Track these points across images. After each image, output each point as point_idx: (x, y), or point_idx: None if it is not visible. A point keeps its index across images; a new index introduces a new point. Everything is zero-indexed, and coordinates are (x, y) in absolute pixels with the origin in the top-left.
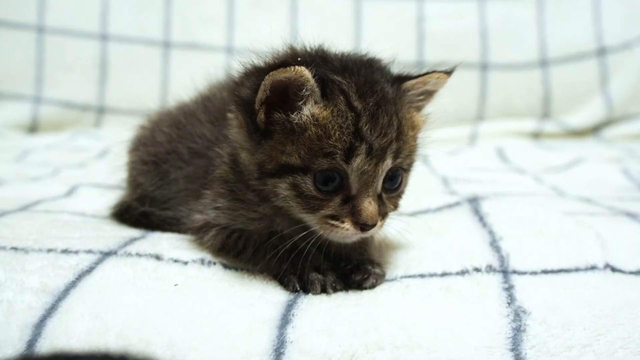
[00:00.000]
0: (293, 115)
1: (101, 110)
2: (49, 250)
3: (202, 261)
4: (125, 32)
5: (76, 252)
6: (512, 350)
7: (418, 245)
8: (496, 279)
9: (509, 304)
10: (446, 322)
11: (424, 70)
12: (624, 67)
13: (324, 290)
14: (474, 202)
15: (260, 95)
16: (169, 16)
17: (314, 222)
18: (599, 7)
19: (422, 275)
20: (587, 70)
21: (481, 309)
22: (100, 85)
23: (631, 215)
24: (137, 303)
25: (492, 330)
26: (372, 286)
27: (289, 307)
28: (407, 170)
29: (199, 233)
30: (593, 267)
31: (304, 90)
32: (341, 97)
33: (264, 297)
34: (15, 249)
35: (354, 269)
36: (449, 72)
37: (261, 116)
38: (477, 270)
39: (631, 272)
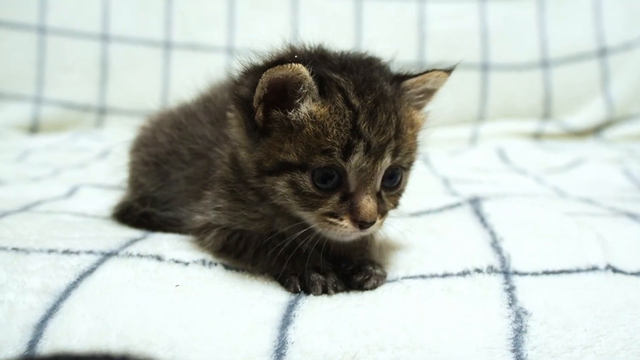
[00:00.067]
0: (291, 113)
1: (102, 111)
2: (50, 251)
3: (203, 262)
4: (126, 33)
5: (77, 252)
6: (514, 351)
7: (419, 246)
8: (497, 279)
9: (510, 304)
10: (447, 323)
11: (423, 69)
12: (624, 68)
13: (325, 291)
14: (475, 202)
15: (258, 93)
16: (169, 17)
17: (312, 220)
18: (600, 7)
19: (423, 276)
20: (588, 71)
21: (482, 309)
22: (101, 86)
23: (632, 216)
24: (138, 304)
25: (493, 331)
26: (373, 287)
27: (290, 307)
28: (406, 169)
29: (199, 234)
30: (594, 268)
31: (301, 88)
32: (339, 95)
33: (265, 297)
34: (16, 249)
35: (355, 269)
36: (448, 71)
37: (259, 114)
38: (479, 271)
39: (632, 273)
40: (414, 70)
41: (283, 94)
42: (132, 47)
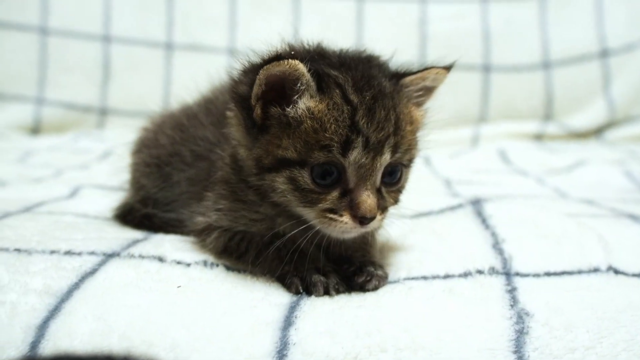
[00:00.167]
0: (289, 109)
1: (103, 112)
2: (52, 252)
3: (205, 263)
4: (127, 34)
5: (79, 253)
6: (515, 352)
7: (420, 247)
8: (499, 281)
9: (511, 306)
10: (449, 324)
11: (423, 66)
12: (626, 69)
13: (326, 292)
14: (476, 204)
15: (256, 90)
16: (171, 18)
17: (312, 217)
18: (602, 9)
19: (424, 277)
20: (590, 72)
21: (484, 311)
22: (103, 87)
23: (633, 217)
24: (140, 305)
25: (495, 333)
26: (375, 288)
27: (292, 309)
28: (406, 165)
29: (201, 235)
30: (596, 270)
31: (299, 85)
32: (337, 91)
33: (266, 299)
34: (18, 250)
35: (357, 271)
36: (447, 68)
37: (257, 111)
38: (480, 272)
39: (634, 275)
40: (413, 68)
41: (282, 92)
42: (133, 48)
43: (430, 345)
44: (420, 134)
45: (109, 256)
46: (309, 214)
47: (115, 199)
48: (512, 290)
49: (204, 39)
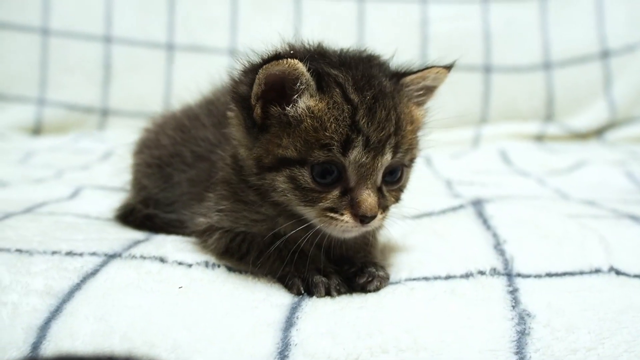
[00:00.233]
0: (289, 108)
1: (105, 113)
2: (54, 253)
3: (207, 264)
4: (128, 35)
5: (81, 254)
6: (517, 353)
7: (422, 248)
8: (500, 282)
9: (513, 307)
10: (451, 325)
11: (423, 66)
12: (627, 70)
13: (328, 293)
14: (477, 205)
15: (256, 89)
16: (172, 18)
17: (313, 216)
18: (602, 9)
19: (426, 278)
20: (591, 73)
21: (486, 312)
22: (104, 88)
23: (635, 218)
24: (141, 305)
25: (496, 334)
26: (376, 289)
27: (293, 309)
28: (407, 165)
29: (202, 236)
30: (597, 270)
31: (298, 84)
32: (337, 90)
33: (268, 299)
34: (19, 251)
35: (358, 271)
36: (448, 67)
37: (257, 111)
38: (482, 273)
39: (635, 275)
40: (413, 67)
41: (282, 91)
42: (134, 48)
43: (432, 346)
44: (421, 134)
45: (111, 257)
46: (309, 213)
47: (116, 200)
48: (513, 291)
49: (205, 39)
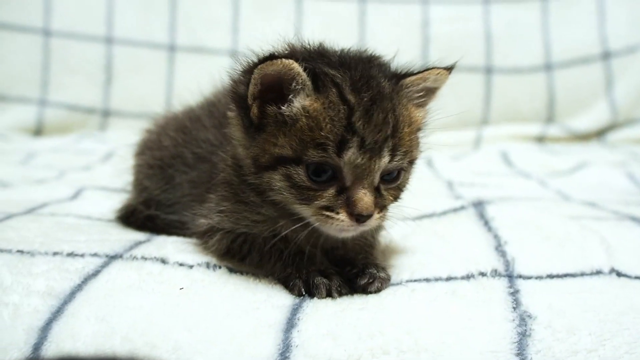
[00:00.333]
0: (284, 108)
1: (106, 113)
2: (55, 254)
3: (208, 265)
4: (130, 35)
5: (82, 255)
6: (518, 354)
7: (423, 249)
8: (501, 283)
9: (514, 308)
10: (452, 326)
11: (424, 67)
12: (628, 71)
13: (329, 294)
14: (479, 206)
15: (252, 89)
16: (174, 19)
17: (309, 214)
18: (604, 11)
19: (427, 280)
20: (592, 74)
21: (487, 313)
22: (106, 88)
23: (636, 220)
24: (142, 306)
25: (497, 335)
26: (377, 290)
27: (295, 311)
28: (406, 169)
29: (203, 237)
30: (598, 272)
31: (294, 84)
32: (334, 90)
33: (269, 300)
34: (21, 252)
35: (359, 273)
36: (449, 69)
37: (254, 110)
38: (483, 274)
39: (637, 277)
40: (414, 68)
41: (280, 92)
42: (136, 49)
43: (433, 348)
44: (421, 135)
45: (112, 258)
46: (305, 211)
47: (118, 201)
48: (514, 293)
49: (206, 40)
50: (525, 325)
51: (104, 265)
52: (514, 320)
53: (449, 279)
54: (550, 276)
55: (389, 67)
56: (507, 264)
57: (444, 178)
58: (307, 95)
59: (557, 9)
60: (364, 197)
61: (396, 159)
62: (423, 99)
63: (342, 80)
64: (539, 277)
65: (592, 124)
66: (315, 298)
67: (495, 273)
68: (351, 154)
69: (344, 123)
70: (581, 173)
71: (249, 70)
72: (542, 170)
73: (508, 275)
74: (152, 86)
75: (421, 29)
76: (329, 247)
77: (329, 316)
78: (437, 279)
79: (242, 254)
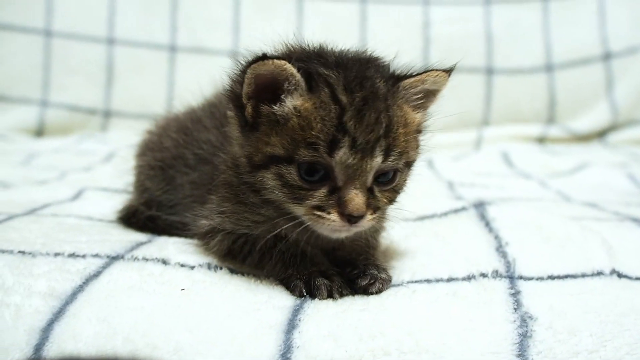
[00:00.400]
0: (276, 107)
1: (107, 114)
2: (57, 254)
3: (209, 266)
4: (131, 36)
5: (83, 256)
6: (519, 356)
7: (424, 250)
8: (502, 284)
9: (515, 309)
10: (453, 327)
11: (423, 69)
12: (629, 72)
13: (330, 296)
14: (479, 207)
15: (246, 89)
16: (174, 20)
17: (301, 214)
18: (605, 11)
19: (428, 281)
20: (593, 75)
21: (488, 314)
22: (107, 89)
23: (637, 221)
24: (143, 307)
25: (498, 336)
26: (379, 291)
27: (296, 312)
28: (401, 170)
29: (205, 238)
30: (599, 273)
31: (287, 84)
32: (326, 90)
33: (270, 301)
34: (22, 252)
35: (360, 274)
36: (448, 71)
37: (249, 109)
38: (484, 275)
39: (637, 278)
40: (413, 70)
41: (275, 92)
42: (137, 50)
43: (434, 349)
44: (421, 137)
45: (113, 259)
46: (297, 210)
47: (119, 202)
48: (515, 294)
49: (207, 41)
50: (527, 326)
51: (105, 266)
52: (515, 321)
53: (450, 280)
54: (551, 277)
55: (387, 68)
56: (508, 264)
57: (444, 179)
58: (300, 95)
59: (558, 10)
60: (355, 198)
61: (390, 160)
62: (422, 101)
63: (335, 80)
64: (540, 278)
65: (593, 124)
66: (316, 299)
67: (496, 274)
68: (342, 153)
69: (335, 123)
70: (582, 174)
71: (243, 70)
72: (543, 170)
73: (509, 276)
74: (153, 87)
75: (422, 29)
76: (329, 248)
77: (330, 317)
78: (438, 280)
79: (243, 255)
